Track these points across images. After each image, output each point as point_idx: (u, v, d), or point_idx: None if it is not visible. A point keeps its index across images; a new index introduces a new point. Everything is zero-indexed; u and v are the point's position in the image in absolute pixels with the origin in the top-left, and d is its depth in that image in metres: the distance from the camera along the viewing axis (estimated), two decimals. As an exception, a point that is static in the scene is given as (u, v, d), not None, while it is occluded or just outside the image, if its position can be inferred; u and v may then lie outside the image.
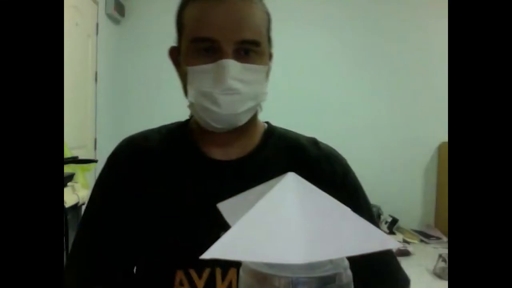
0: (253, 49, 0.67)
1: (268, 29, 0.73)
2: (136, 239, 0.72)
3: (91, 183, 0.82)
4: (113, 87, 3.71)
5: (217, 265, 0.67)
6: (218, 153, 0.74)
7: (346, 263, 0.24)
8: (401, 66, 3.79)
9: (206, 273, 0.68)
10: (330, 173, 0.74)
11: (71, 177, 1.97)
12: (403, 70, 3.79)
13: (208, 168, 0.73)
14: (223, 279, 0.67)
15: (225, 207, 0.24)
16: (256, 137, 0.77)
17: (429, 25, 3.69)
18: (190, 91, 0.68)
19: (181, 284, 0.68)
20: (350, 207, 0.31)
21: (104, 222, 0.74)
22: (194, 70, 0.67)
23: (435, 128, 3.66)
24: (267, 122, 0.82)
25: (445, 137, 3.76)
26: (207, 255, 0.20)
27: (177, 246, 0.69)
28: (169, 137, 0.78)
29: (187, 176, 0.73)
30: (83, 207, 0.87)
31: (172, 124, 0.82)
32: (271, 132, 0.79)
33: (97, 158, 2.92)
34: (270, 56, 0.74)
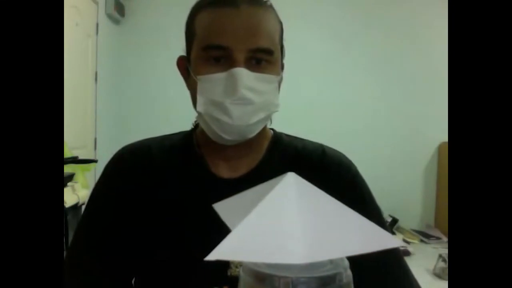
0: (266, 58, 0.65)
1: (281, 39, 0.71)
2: (135, 249, 0.70)
3: (91, 183, 0.82)
4: (113, 87, 3.71)
5: (225, 283, 0.65)
6: (225, 169, 0.72)
7: (346, 263, 0.24)
8: (401, 66, 3.79)
9: None
10: (337, 181, 0.71)
11: (71, 177, 1.97)
12: (402, 70, 3.79)
13: (214, 187, 0.70)
14: None
15: (222, 207, 0.24)
16: (263, 149, 0.75)
17: (430, 25, 3.68)
18: (200, 101, 0.66)
19: None
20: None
21: (103, 226, 0.72)
22: (205, 79, 0.65)
23: (435, 128, 3.66)
24: (272, 129, 0.79)
25: (445, 137, 3.76)
26: (213, 256, 0.20)
27: (182, 265, 0.67)
28: (173, 150, 0.75)
29: (191, 194, 0.70)
30: (83, 207, 0.86)
31: (175, 134, 0.79)
32: (277, 142, 0.77)
33: (97, 158, 2.92)
34: (282, 66, 0.72)
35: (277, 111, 0.70)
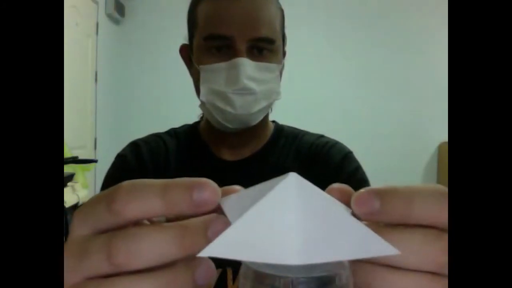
0: (267, 47, 0.66)
1: (282, 26, 0.71)
2: None
3: (91, 183, 0.81)
4: (113, 87, 3.71)
5: (228, 265, 0.66)
6: (229, 154, 0.73)
7: (346, 263, 0.24)
8: (402, 67, 3.79)
9: (217, 273, 0.66)
10: (339, 170, 0.71)
11: (71, 177, 1.97)
12: (403, 71, 3.79)
13: (219, 168, 0.71)
14: (234, 279, 0.66)
15: (228, 202, 0.24)
16: (267, 136, 0.76)
17: (429, 28, 3.69)
18: (203, 90, 0.66)
19: None
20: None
21: None
22: (207, 69, 0.65)
23: (435, 128, 3.66)
24: (273, 121, 0.81)
25: (445, 137, 3.77)
26: (205, 253, 0.20)
27: None
28: (179, 138, 0.77)
29: (196, 173, 0.71)
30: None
31: (181, 127, 0.81)
32: (280, 131, 0.78)
33: (97, 158, 2.92)
34: (284, 53, 0.72)
35: (279, 99, 0.70)
